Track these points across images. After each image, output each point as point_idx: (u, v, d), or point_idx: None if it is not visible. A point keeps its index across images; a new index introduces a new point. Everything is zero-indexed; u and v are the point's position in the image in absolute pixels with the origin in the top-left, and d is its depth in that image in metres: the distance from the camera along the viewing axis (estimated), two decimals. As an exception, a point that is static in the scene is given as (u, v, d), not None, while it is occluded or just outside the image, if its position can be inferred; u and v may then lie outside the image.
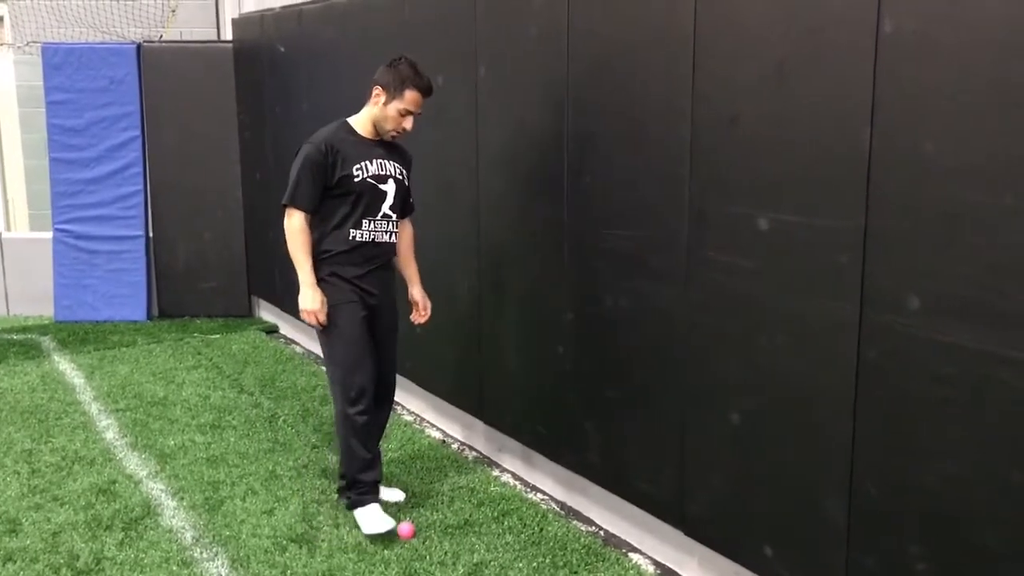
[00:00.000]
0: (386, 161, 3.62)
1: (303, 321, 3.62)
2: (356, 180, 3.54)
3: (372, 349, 3.67)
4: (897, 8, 2.32)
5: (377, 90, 3.55)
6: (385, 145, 3.65)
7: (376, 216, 3.60)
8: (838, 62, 2.48)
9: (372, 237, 3.60)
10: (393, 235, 3.67)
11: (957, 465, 2.29)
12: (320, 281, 3.57)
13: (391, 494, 3.96)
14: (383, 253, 3.67)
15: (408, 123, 3.58)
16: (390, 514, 3.71)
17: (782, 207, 2.69)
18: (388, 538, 3.59)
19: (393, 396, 3.94)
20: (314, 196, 3.53)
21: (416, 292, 3.91)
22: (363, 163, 3.56)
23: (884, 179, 2.39)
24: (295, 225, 3.55)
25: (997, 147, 2.13)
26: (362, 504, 3.70)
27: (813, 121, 2.57)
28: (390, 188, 3.62)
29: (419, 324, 3.93)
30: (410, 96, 3.52)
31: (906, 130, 2.32)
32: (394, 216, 3.66)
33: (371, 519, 3.64)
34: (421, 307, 3.90)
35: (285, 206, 3.56)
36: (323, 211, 3.58)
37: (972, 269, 2.20)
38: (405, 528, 3.65)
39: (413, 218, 3.87)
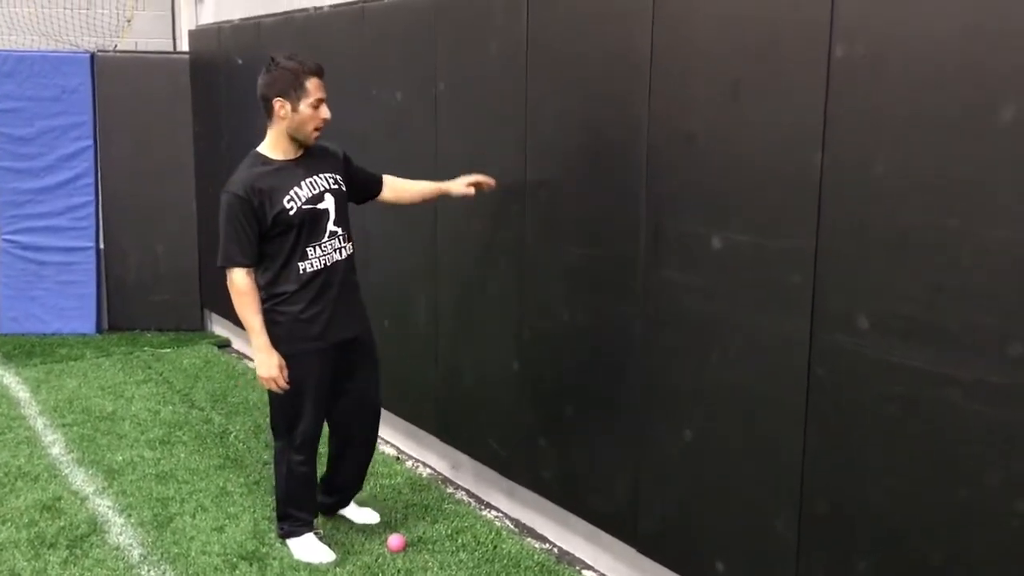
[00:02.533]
0: (315, 177, 3.37)
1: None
2: (292, 213, 3.29)
3: (326, 397, 3.49)
4: (848, 33, 2.37)
5: (278, 103, 3.27)
6: (306, 160, 3.40)
7: (322, 239, 3.36)
8: (791, 85, 2.53)
9: (324, 262, 3.37)
10: (344, 250, 3.44)
11: (904, 482, 2.33)
12: (275, 324, 3.33)
13: (364, 515, 3.87)
14: (341, 273, 3.44)
15: (324, 111, 3.33)
16: (353, 534, 3.66)
17: (735, 226, 2.73)
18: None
19: (374, 436, 3.75)
20: (251, 247, 3.28)
21: (462, 181, 3.63)
22: (292, 192, 3.30)
23: (835, 200, 2.43)
24: (239, 285, 3.28)
25: (944, 170, 2.19)
26: (296, 535, 3.59)
27: (766, 142, 2.61)
28: (329, 204, 3.38)
29: (487, 187, 3.65)
30: (312, 84, 3.28)
31: (856, 152, 2.37)
32: (339, 230, 3.42)
33: (307, 551, 3.54)
34: (474, 180, 3.62)
35: (223, 268, 3.31)
36: (268, 252, 3.33)
37: (920, 290, 2.25)
38: (395, 541, 3.61)
39: (386, 180, 3.68)
